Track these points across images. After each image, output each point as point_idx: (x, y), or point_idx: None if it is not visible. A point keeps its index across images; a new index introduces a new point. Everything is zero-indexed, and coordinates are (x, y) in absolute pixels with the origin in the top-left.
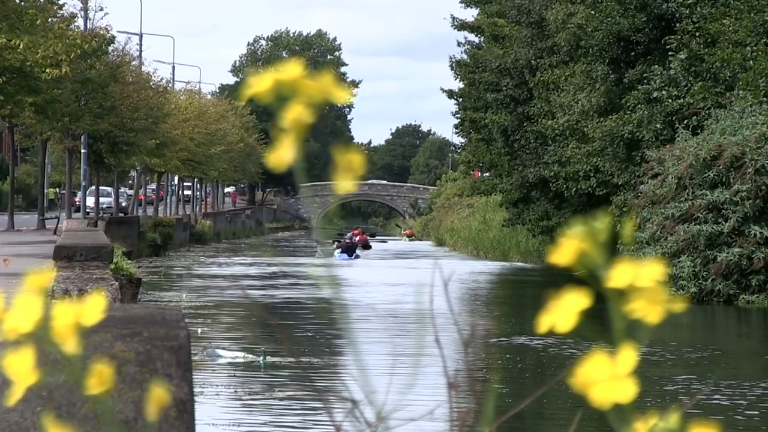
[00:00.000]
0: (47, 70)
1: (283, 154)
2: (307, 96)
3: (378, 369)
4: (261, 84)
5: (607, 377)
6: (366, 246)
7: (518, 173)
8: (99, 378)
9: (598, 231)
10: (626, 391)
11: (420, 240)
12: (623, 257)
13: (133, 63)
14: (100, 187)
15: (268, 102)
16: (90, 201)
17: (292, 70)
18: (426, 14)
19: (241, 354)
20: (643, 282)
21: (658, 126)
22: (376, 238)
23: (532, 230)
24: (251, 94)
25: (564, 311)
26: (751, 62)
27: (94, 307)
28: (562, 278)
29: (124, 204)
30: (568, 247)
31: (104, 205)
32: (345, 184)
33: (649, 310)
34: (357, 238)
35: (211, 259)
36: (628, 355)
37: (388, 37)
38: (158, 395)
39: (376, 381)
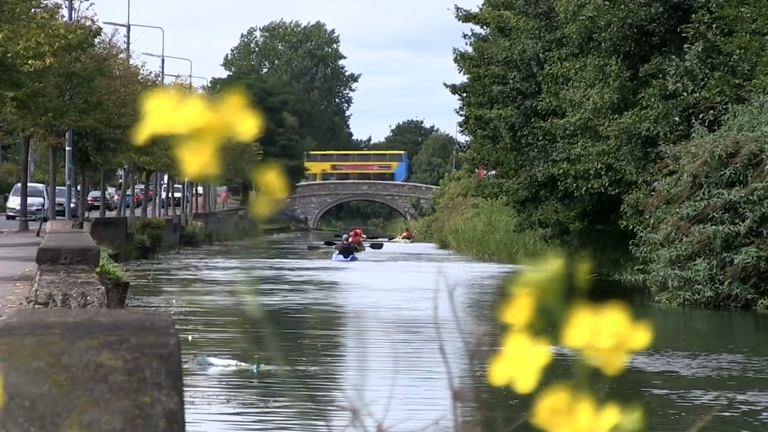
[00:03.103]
0: (30, 62)
1: (200, 168)
2: (209, 136)
3: (378, 377)
4: (157, 127)
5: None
6: (360, 247)
7: (526, 172)
8: None
9: (553, 279)
10: None
11: (421, 241)
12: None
13: (121, 56)
14: (33, 185)
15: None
16: (14, 202)
17: (191, 111)
18: (432, 5)
19: (234, 362)
20: (604, 340)
21: (676, 120)
22: (374, 240)
23: (543, 235)
24: (147, 136)
25: (523, 367)
26: None
27: None
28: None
29: (73, 205)
30: (522, 305)
31: (34, 207)
32: (263, 207)
33: (610, 361)
34: (351, 240)
35: (203, 262)
36: (585, 408)
37: (392, 29)
38: None
39: (376, 390)
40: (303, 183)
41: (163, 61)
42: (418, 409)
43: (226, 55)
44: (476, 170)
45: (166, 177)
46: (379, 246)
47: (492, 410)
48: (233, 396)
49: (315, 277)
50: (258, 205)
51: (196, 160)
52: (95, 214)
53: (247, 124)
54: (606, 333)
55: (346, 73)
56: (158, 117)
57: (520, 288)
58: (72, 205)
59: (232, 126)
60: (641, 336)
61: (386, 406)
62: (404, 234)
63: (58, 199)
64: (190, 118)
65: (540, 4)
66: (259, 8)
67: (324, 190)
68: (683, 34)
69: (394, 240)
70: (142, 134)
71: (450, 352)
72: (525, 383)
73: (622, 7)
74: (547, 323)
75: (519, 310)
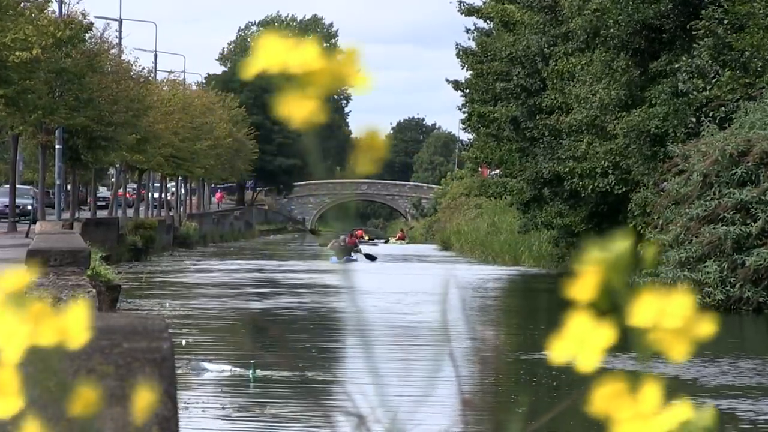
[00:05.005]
0: (16, 53)
1: (306, 114)
2: (319, 84)
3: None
4: (267, 65)
5: (630, 415)
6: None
7: (530, 168)
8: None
9: (620, 256)
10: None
11: (423, 242)
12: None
13: (112, 51)
14: None
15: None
16: None
17: (306, 52)
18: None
19: (229, 367)
20: (670, 320)
21: (690, 118)
22: (369, 242)
23: (551, 238)
24: (256, 71)
25: (586, 345)
26: None
27: (78, 324)
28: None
29: (31, 207)
30: (589, 280)
31: None
32: (365, 166)
33: (675, 345)
34: (347, 241)
35: (198, 264)
36: (653, 393)
37: (392, 23)
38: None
39: (386, 396)
40: (301, 182)
41: (156, 56)
42: (426, 416)
43: (222, 50)
44: (479, 169)
45: (159, 176)
46: (373, 258)
47: (501, 418)
48: (228, 402)
49: (313, 279)
50: (359, 163)
51: (304, 106)
52: (101, 214)
53: (361, 79)
54: (673, 314)
55: None
56: (271, 55)
57: (587, 264)
58: (29, 207)
59: (345, 76)
60: (707, 325)
61: (393, 412)
62: (398, 235)
63: (17, 200)
64: (304, 60)
65: None
66: (256, 2)
67: (322, 190)
68: (693, 31)
69: (387, 242)
70: (250, 70)
71: (459, 357)
72: (587, 363)
73: (631, 3)
74: (611, 303)
75: (584, 287)
